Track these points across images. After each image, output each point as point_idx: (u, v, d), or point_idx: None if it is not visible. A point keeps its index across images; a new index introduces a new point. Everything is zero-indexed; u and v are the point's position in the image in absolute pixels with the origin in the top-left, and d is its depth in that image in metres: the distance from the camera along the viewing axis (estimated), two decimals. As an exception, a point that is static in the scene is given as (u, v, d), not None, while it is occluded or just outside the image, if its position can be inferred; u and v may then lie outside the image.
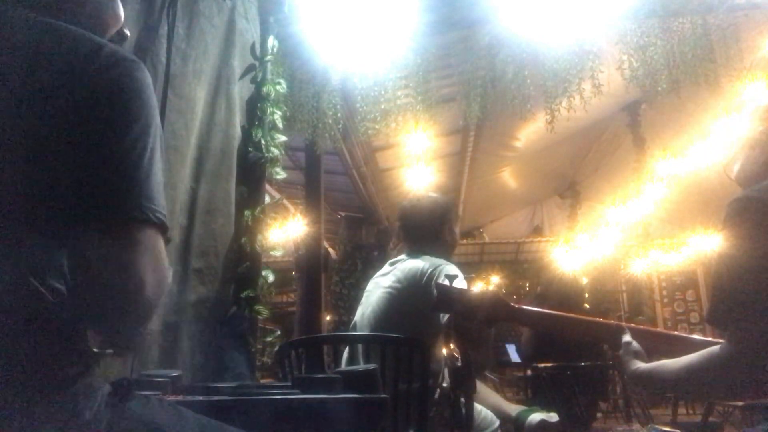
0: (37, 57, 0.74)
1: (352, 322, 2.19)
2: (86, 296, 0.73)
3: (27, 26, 0.77)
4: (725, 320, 1.05)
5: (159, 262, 0.75)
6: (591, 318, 1.44)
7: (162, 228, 0.76)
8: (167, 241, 0.79)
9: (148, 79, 0.80)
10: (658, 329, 1.46)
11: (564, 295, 4.46)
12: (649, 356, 1.28)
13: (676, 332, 1.70)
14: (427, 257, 2.06)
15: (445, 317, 1.81)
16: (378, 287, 2.13)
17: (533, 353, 4.38)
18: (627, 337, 1.32)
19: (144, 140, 0.76)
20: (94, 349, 0.78)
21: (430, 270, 1.97)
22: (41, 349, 0.70)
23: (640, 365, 1.26)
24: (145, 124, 0.77)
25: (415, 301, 1.95)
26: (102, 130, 0.74)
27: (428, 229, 2.17)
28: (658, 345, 1.33)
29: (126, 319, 0.76)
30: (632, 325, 1.39)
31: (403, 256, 2.16)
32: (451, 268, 1.97)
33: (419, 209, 2.21)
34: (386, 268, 2.20)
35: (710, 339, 1.36)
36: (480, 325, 1.43)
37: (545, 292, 4.81)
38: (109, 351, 0.78)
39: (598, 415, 4.84)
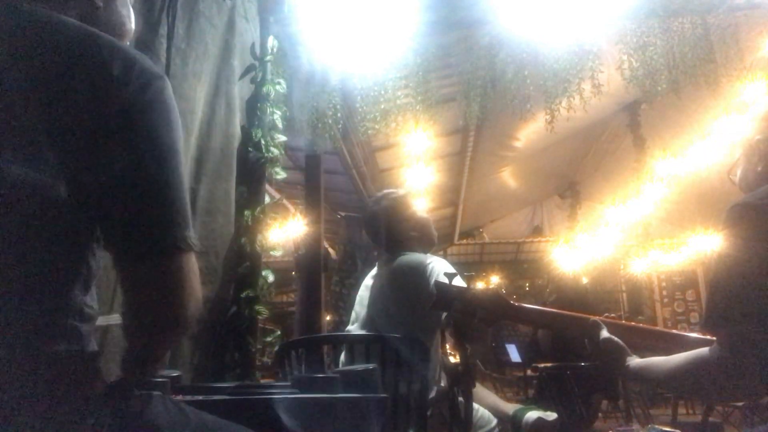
0: (69, 64, 0.74)
1: (347, 328, 2.19)
2: (133, 321, 0.77)
3: (60, 31, 0.76)
4: (719, 324, 1.05)
5: (196, 283, 0.78)
6: (572, 313, 1.42)
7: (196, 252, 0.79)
8: None
9: (172, 97, 0.80)
10: (633, 323, 1.45)
11: (576, 301, 4.48)
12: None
13: (653, 327, 1.69)
14: (414, 254, 2.06)
15: (443, 315, 1.80)
16: (370, 289, 2.13)
17: (551, 349, 4.43)
18: (605, 333, 1.31)
19: (178, 166, 0.77)
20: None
21: (421, 267, 1.96)
22: (49, 355, 0.70)
23: (633, 360, 1.26)
24: (177, 149, 0.78)
25: (408, 300, 1.95)
26: (137, 157, 0.74)
27: (394, 228, 2.14)
28: (635, 340, 1.32)
29: (169, 340, 0.82)
30: (609, 320, 1.38)
31: (387, 258, 2.15)
32: (441, 263, 1.97)
33: (378, 212, 2.18)
34: (375, 270, 2.19)
35: (690, 334, 1.36)
36: (479, 324, 1.42)
37: (559, 298, 4.82)
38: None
39: (599, 414, 4.85)
